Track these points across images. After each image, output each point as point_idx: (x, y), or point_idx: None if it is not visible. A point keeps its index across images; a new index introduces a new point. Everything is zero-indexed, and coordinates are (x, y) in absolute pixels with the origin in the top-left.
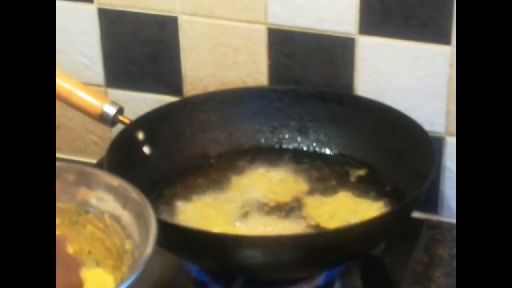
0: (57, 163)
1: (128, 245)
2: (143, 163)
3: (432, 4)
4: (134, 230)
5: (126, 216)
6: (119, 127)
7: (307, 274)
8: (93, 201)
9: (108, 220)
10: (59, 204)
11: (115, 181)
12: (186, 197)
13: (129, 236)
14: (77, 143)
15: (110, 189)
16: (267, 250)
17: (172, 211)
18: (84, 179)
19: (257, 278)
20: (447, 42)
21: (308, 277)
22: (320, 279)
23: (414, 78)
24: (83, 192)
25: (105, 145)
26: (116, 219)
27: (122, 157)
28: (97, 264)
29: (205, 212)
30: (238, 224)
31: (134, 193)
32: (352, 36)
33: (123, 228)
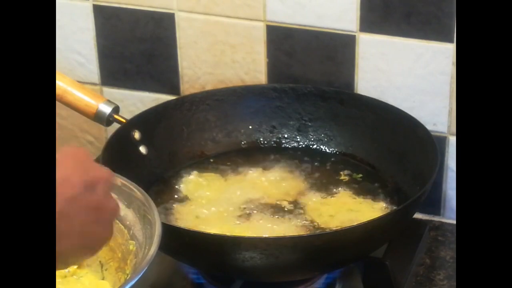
0: None
1: (132, 246)
2: (140, 163)
3: (434, 1)
4: (138, 230)
5: (131, 216)
6: (115, 126)
7: (307, 277)
8: None
9: None
10: None
11: (117, 179)
12: (183, 198)
13: (133, 237)
14: (72, 143)
15: (114, 188)
16: (266, 252)
17: (169, 212)
18: None
19: (256, 280)
20: (450, 39)
21: (308, 280)
22: (320, 282)
23: (416, 77)
24: None
25: (100, 145)
26: (121, 219)
27: (118, 157)
28: (102, 265)
29: (203, 213)
30: (236, 225)
31: (138, 193)
32: (352, 34)
33: (128, 228)
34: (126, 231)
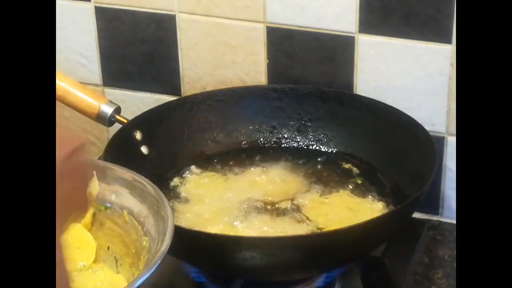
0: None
1: (145, 242)
2: (141, 163)
3: (433, 2)
4: (151, 226)
5: (144, 212)
6: (116, 127)
7: (306, 276)
8: (113, 197)
9: (127, 217)
10: None
11: (128, 175)
12: (184, 198)
13: (146, 233)
14: None
15: (126, 184)
16: (266, 251)
17: None
18: (102, 174)
19: (256, 279)
20: (448, 41)
21: (307, 279)
22: (319, 281)
23: (414, 77)
24: (101, 188)
25: (102, 145)
26: (135, 215)
27: (119, 157)
28: (116, 260)
29: (203, 212)
30: (236, 224)
31: (151, 189)
32: (352, 35)
33: (141, 224)
34: (140, 228)
